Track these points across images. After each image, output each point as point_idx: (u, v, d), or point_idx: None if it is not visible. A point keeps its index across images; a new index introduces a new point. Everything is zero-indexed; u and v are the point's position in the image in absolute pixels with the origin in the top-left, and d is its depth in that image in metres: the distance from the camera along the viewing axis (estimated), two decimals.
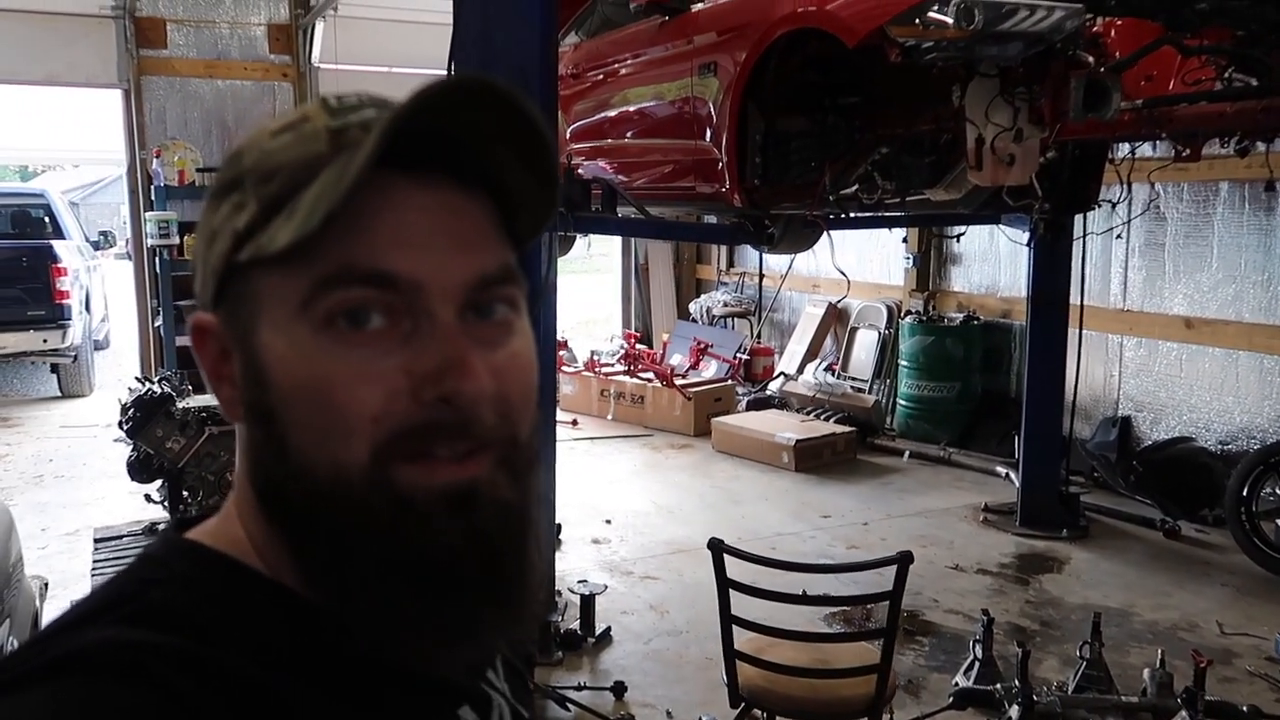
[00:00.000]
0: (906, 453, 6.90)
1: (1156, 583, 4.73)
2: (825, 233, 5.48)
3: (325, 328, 0.57)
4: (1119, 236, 5.72)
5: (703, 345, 8.47)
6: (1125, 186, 4.42)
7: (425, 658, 0.62)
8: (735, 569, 2.56)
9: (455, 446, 0.58)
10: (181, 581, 0.61)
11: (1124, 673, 3.63)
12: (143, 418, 4.34)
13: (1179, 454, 5.74)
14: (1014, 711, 3.27)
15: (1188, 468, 5.64)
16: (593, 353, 8.76)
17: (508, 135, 0.60)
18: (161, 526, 0.69)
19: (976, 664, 3.61)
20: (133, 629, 0.55)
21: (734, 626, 2.46)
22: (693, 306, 9.74)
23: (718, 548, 2.44)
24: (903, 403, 7.32)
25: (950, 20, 3.05)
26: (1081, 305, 5.35)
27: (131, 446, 4.53)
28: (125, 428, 4.47)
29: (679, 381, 7.84)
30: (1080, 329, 5.45)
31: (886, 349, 7.76)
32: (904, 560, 2.38)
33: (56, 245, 8.59)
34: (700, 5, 4.40)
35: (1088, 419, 6.40)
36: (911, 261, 7.69)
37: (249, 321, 0.60)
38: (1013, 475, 5.94)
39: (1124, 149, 4.69)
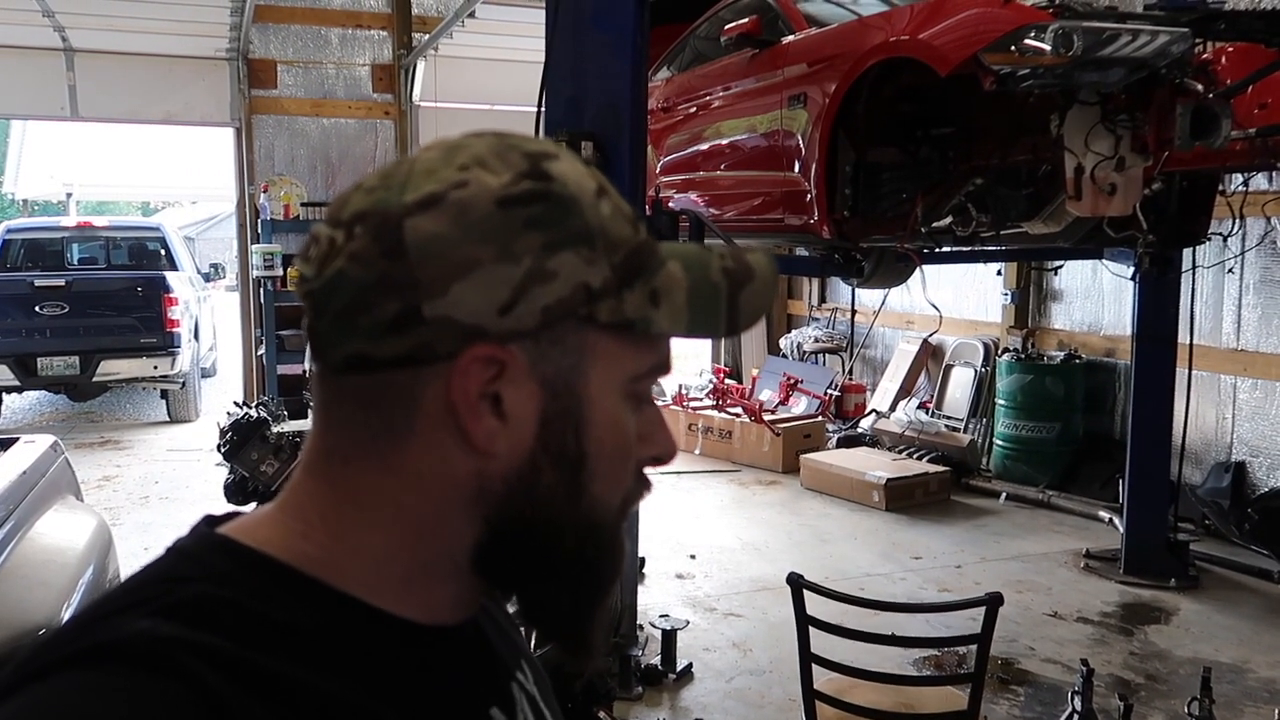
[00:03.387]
0: (1003, 494, 6.68)
1: (1273, 638, 4.44)
2: (919, 267, 5.38)
3: (631, 399, 0.67)
4: (1230, 271, 5.47)
5: (792, 381, 8.37)
6: (1238, 220, 4.22)
7: (589, 653, 0.70)
8: (818, 608, 2.49)
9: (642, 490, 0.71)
10: (216, 577, 0.61)
11: None
12: (239, 441, 4.47)
13: None
14: None
15: None
16: (681, 387, 8.73)
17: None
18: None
19: (1075, 717, 3.42)
20: (166, 623, 0.56)
21: (814, 666, 2.39)
22: (783, 342, 9.64)
23: (797, 583, 2.37)
24: (999, 443, 7.10)
25: (1048, 47, 2.96)
26: (1191, 344, 5.12)
27: (229, 469, 4.67)
28: (223, 450, 4.60)
29: (768, 417, 7.75)
30: (1190, 369, 5.20)
31: (983, 387, 7.55)
32: (994, 602, 2.27)
33: (169, 276, 8.98)
34: (791, 38, 4.38)
35: (1198, 463, 6.10)
36: (1009, 298, 7.48)
37: (575, 370, 0.63)
38: (1116, 520, 5.69)
39: (1236, 180, 4.48)
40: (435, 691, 0.65)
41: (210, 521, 0.67)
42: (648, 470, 0.70)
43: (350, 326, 0.61)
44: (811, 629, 2.40)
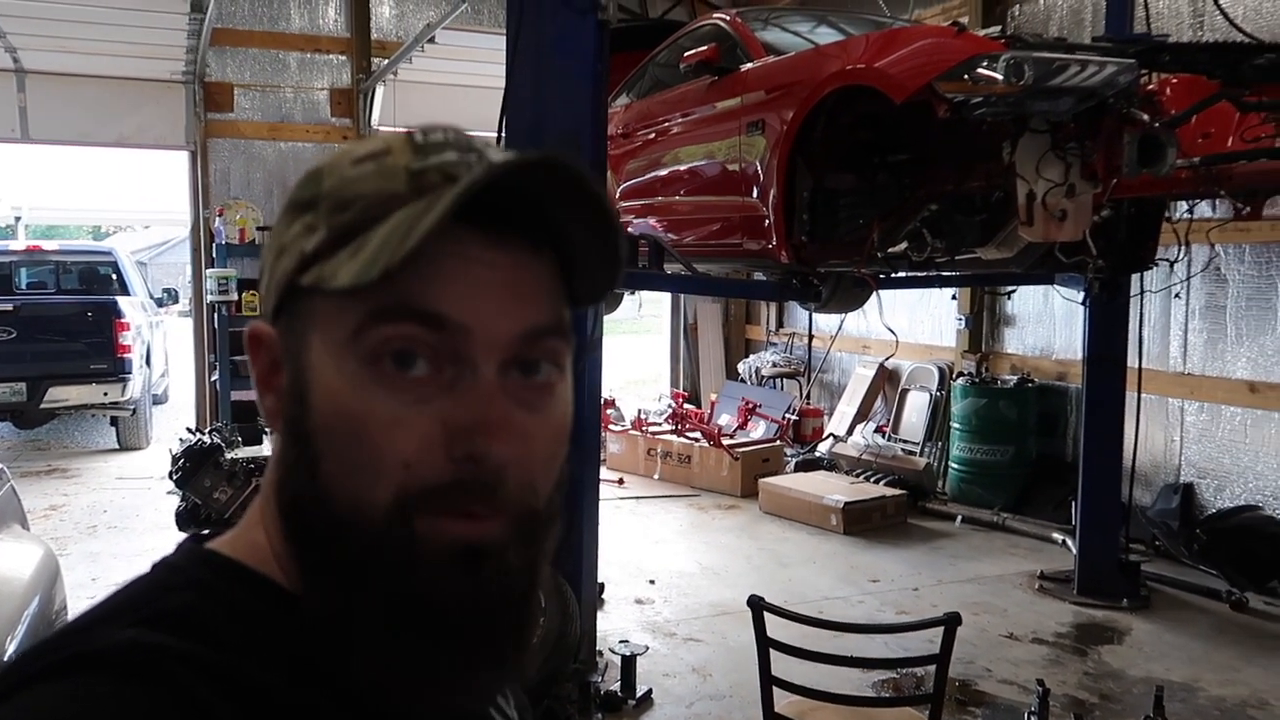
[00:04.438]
0: (959, 517, 6.74)
1: (1223, 657, 4.52)
2: (875, 292, 5.45)
3: (371, 363, 0.58)
4: (1178, 295, 5.60)
5: (751, 405, 8.41)
6: (1184, 246, 4.32)
7: (411, 698, 0.61)
8: (779, 630, 2.49)
9: (475, 508, 0.58)
10: (199, 588, 0.61)
11: None
12: (191, 468, 4.40)
13: (1245, 523, 5.52)
14: None
15: (1255, 537, 5.42)
16: (640, 411, 8.74)
17: (576, 208, 0.61)
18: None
19: None
20: (151, 632, 0.56)
21: (775, 688, 2.39)
22: (741, 367, 9.69)
23: (758, 605, 2.38)
24: (955, 466, 7.17)
25: (1000, 76, 3.03)
26: (1140, 368, 5.22)
27: (181, 496, 4.59)
28: (175, 478, 4.53)
29: (726, 442, 7.77)
30: (1139, 392, 5.31)
31: (938, 411, 7.64)
32: (952, 621, 2.29)
33: (120, 301, 8.83)
34: (750, 65, 4.44)
35: (1148, 485, 6.21)
36: (964, 323, 7.59)
37: (301, 339, 0.61)
38: (1070, 542, 5.76)
39: (1182, 208, 4.60)
40: (412, 713, 0.63)
41: (198, 538, 0.68)
42: (471, 479, 0.58)
43: None
44: (772, 651, 2.40)
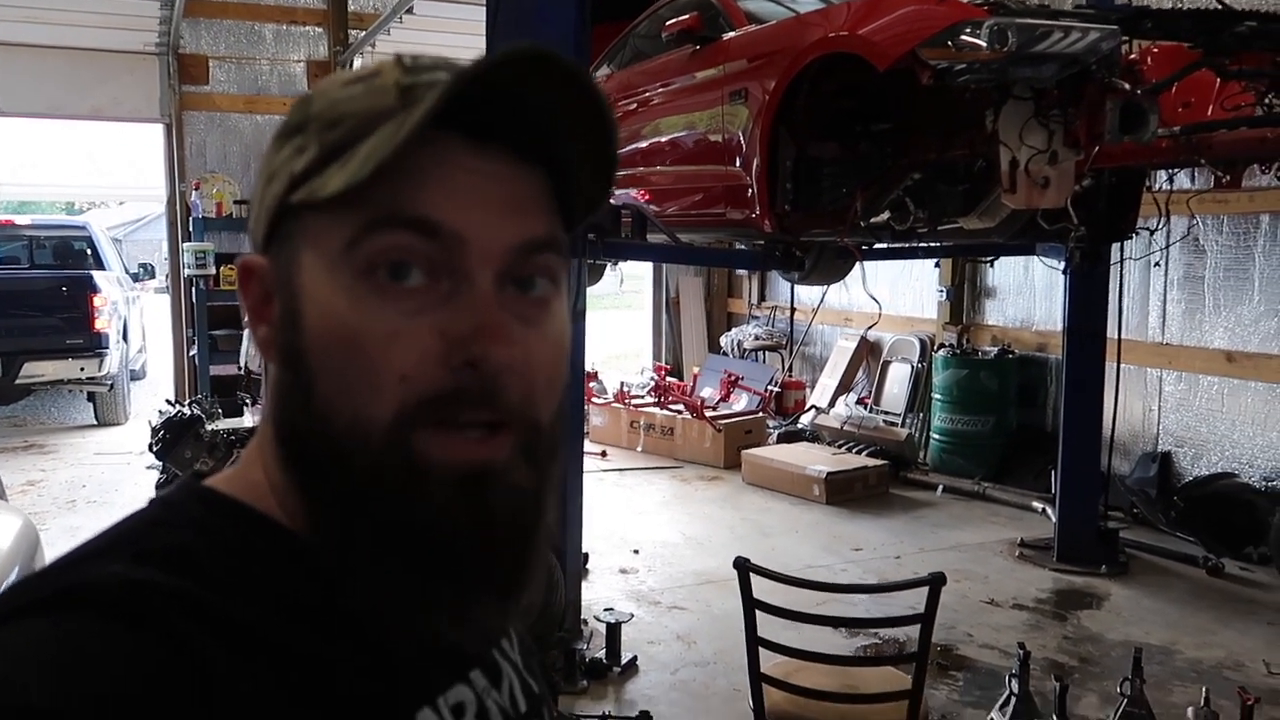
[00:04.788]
0: (940, 487, 6.80)
1: (1200, 620, 4.59)
2: (858, 263, 5.46)
3: (366, 276, 0.57)
4: (1157, 264, 5.65)
5: (733, 378, 8.43)
6: (1164, 216, 4.35)
7: (413, 627, 0.60)
8: (764, 594, 2.51)
9: (478, 416, 0.57)
10: (191, 524, 0.60)
11: (1167, 712, 3.51)
12: (171, 440, 4.37)
13: (1222, 490, 5.60)
14: None
15: (1231, 504, 5.50)
16: (623, 384, 8.74)
17: (571, 112, 0.60)
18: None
19: (1013, 699, 3.50)
20: (139, 567, 0.55)
21: (761, 649, 2.41)
22: (724, 340, 9.71)
23: (744, 567, 2.39)
24: (936, 437, 7.23)
25: (983, 43, 3.03)
26: (1120, 338, 5.27)
27: (161, 469, 4.56)
28: (155, 449, 4.50)
29: (709, 414, 7.79)
30: (1118, 363, 5.36)
31: (919, 383, 7.68)
32: (936, 581, 2.31)
33: (96, 275, 8.73)
34: (732, 34, 4.41)
35: (1126, 454, 6.28)
36: (945, 295, 7.62)
37: (293, 262, 0.60)
38: (1049, 510, 5.82)
39: (1162, 178, 4.63)
40: (412, 652, 0.63)
41: (197, 475, 0.67)
42: (471, 387, 0.56)
43: None
44: (758, 613, 2.42)
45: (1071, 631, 4.49)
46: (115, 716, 0.48)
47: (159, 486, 4.59)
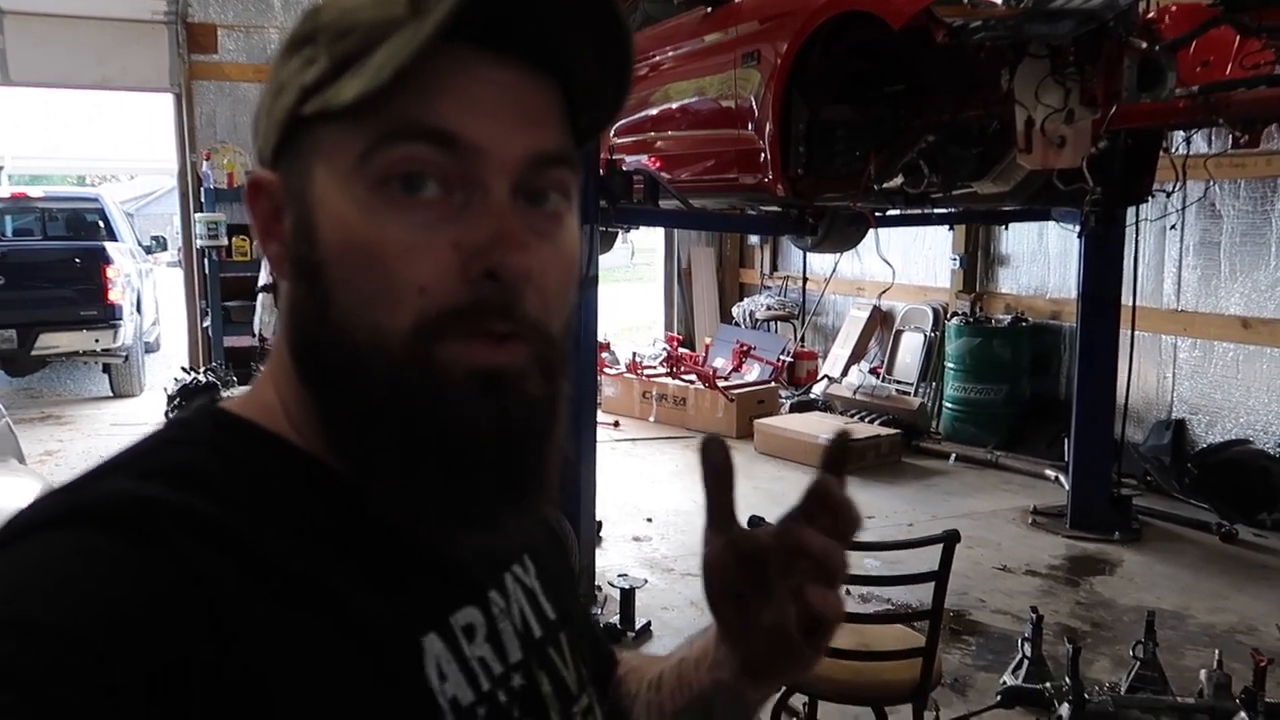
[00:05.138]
0: (953, 455, 6.79)
1: (1213, 586, 4.58)
2: (871, 229, 5.42)
3: (380, 188, 0.56)
4: (1173, 228, 5.60)
5: (745, 348, 8.41)
6: (1180, 176, 4.30)
7: (439, 534, 0.61)
8: None
9: (495, 327, 0.57)
10: (204, 442, 0.60)
11: (1179, 675, 3.51)
12: (187, 405, 4.38)
13: (1236, 457, 5.58)
14: (1064, 710, 3.17)
15: (1245, 471, 5.48)
16: (635, 355, 8.74)
17: (586, 22, 0.59)
18: None
19: (1025, 662, 3.51)
20: (146, 483, 0.55)
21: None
22: (736, 310, 9.68)
23: (759, 525, 2.39)
24: (949, 405, 7.21)
25: (999, 0, 3.00)
26: (1134, 306, 5.23)
27: None
28: (170, 416, 4.51)
29: (721, 384, 7.79)
30: (1132, 330, 5.32)
31: (932, 352, 7.65)
32: (950, 539, 2.31)
33: (109, 247, 8.74)
34: None
35: (1140, 422, 6.25)
36: (958, 263, 7.58)
37: (305, 175, 0.59)
38: (1062, 478, 5.81)
39: (1179, 140, 4.57)
40: (423, 571, 0.63)
41: (213, 399, 0.67)
42: (490, 298, 0.56)
43: None
44: None
45: (1084, 597, 4.49)
46: (117, 631, 0.48)
47: None
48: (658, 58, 5.06)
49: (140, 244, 10.37)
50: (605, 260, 5.85)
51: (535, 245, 0.58)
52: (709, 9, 4.52)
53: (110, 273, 8.43)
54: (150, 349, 10.72)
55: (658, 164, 4.99)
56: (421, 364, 0.56)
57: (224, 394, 4.60)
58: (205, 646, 0.50)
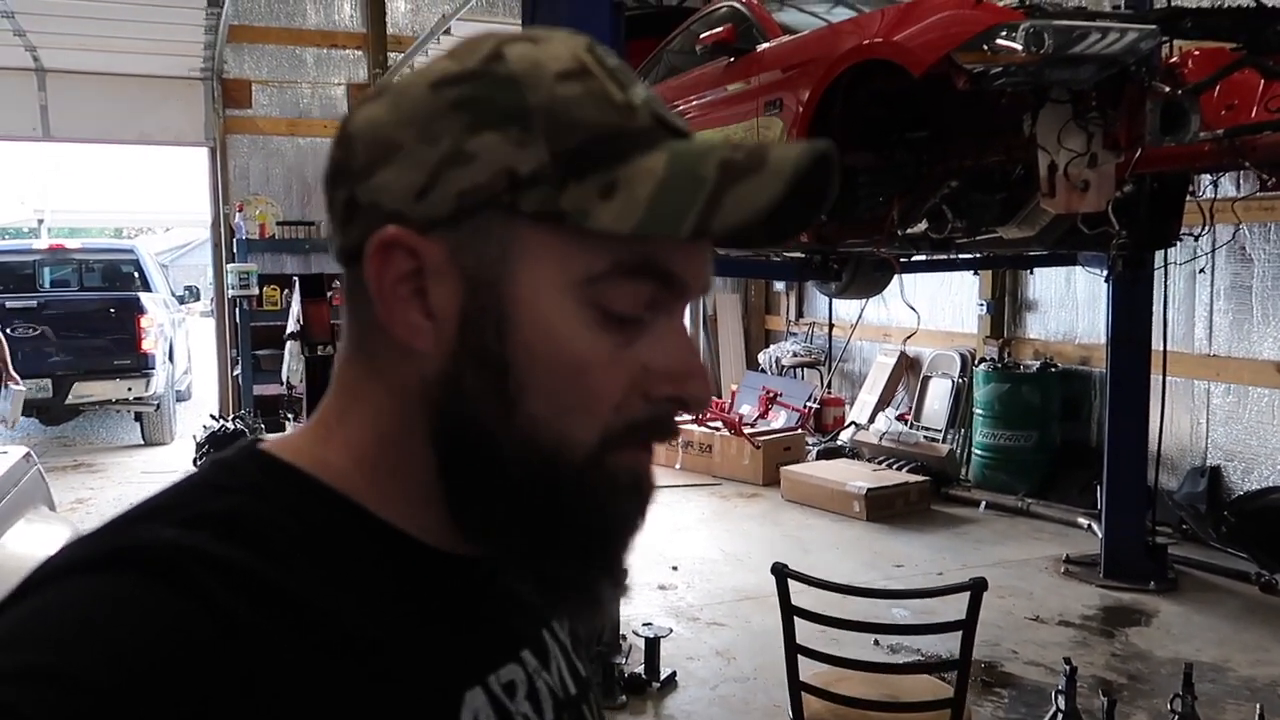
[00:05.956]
0: (983, 503, 6.70)
1: (1253, 637, 4.47)
2: (896, 275, 5.41)
3: (600, 311, 0.57)
4: (1202, 270, 5.54)
5: (771, 394, 8.38)
6: (1208, 220, 4.27)
7: (563, 613, 0.69)
8: (802, 602, 2.48)
9: (665, 441, 0.63)
10: (252, 490, 0.59)
11: None
12: (228, 446, 4.41)
13: (1273, 504, 5.46)
14: None
15: None
16: None
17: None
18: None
19: (1059, 716, 3.41)
20: (192, 533, 0.54)
21: (800, 658, 2.37)
22: (761, 357, 9.67)
23: (781, 572, 2.36)
24: (978, 452, 7.13)
25: (1019, 46, 3.00)
26: (1165, 350, 5.17)
27: None
28: (198, 463, 4.55)
29: (748, 431, 7.75)
30: (1164, 375, 5.25)
31: (960, 398, 7.59)
32: (977, 587, 2.27)
33: (143, 297, 8.89)
34: (766, 45, 4.41)
35: (1174, 469, 6.15)
36: (985, 308, 7.54)
37: (498, 265, 0.57)
38: (1095, 526, 5.71)
39: (1205, 182, 4.54)
40: (465, 631, 0.63)
41: (255, 440, 0.66)
42: (667, 417, 0.61)
43: (330, 219, 0.62)
44: (797, 621, 2.39)
45: (1119, 648, 4.39)
46: (149, 686, 0.47)
47: None
48: (682, 106, 5.10)
49: (174, 294, 10.54)
50: None
51: None
52: (732, 59, 4.56)
53: (144, 322, 8.56)
54: (182, 397, 10.84)
55: None
56: (599, 471, 0.59)
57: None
58: (236, 700, 0.49)
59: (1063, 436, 6.92)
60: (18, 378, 7.01)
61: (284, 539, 0.56)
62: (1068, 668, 3.47)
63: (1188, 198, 4.43)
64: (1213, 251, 5.03)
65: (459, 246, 0.57)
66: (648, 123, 0.58)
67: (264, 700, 0.50)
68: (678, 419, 0.62)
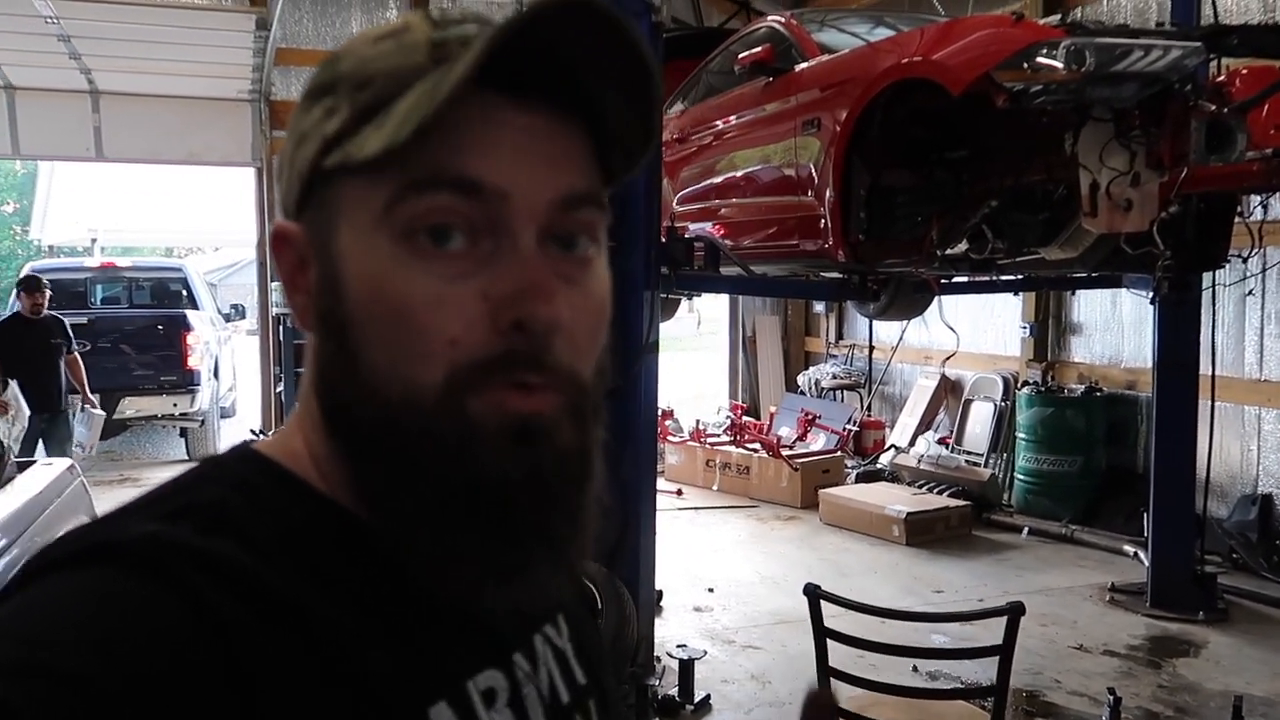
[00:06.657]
0: (1025, 529, 6.58)
1: None
2: (936, 297, 5.36)
3: (406, 241, 0.56)
4: (1250, 292, 5.42)
5: (811, 417, 8.32)
6: (1257, 241, 4.18)
7: (474, 590, 0.58)
8: (837, 625, 2.44)
9: (528, 378, 0.56)
10: (234, 484, 0.60)
11: None
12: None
13: None
14: None
15: None
16: (698, 422, 8.70)
17: (611, 63, 0.58)
18: None
19: None
20: (174, 526, 0.54)
21: (833, 681, 2.33)
22: (801, 379, 9.61)
23: (814, 594, 2.33)
24: (1021, 477, 7.01)
25: (1060, 64, 2.97)
26: (1214, 375, 5.05)
27: None
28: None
29: (786, 453, 7.69)
30: (1212, 400, 5.13)
31: (1003, 422, 7.48)
32: (1015, 611, 2.22)
33: (190, 315, 9.05)
34: (804, 65, 4.41)
35: (1223, 496, 6.00)
36: (1028, 331, 7.43)
37: (328, 228, 0.58)
38: (1142, 554, 5.58)
39: (1254, 203, 4.45)
40: (448, 628, 0.61)
41: (250, 440, 0.67)
42: (524, 348, 0.56)
43: None
44: (830, 644, 2.36)
45: (1167, 680, 4.27)
46: (134, 679, 0.47)
47: None
48: (720, 126, 5.11)
49: (220, 312, 10.71)
50: (672, 329, 5.86)
51: (564, 292, 0.57)
52: (770, 79, 4.56)
53: (190, 339, 8.71)
54: (226, 414, 10.99)
55: (720, 231, 5.01)
56: (454, 417, 0.55)
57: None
58: (220, 693, 0.49)
59: (1108, 462, 6.79)
60: (95, 401, 7.08)
61: (264, 532, 0.57)
62: (1112, 698, 3.40)
63: (1236, 219, 4.35)
64: (1263, 273, 4.93)
65: (310, 223, 0.60)
66: (456, 50, 0.56)
67: (244, 690, 0.50)
68: (537, 350, 0.56)
